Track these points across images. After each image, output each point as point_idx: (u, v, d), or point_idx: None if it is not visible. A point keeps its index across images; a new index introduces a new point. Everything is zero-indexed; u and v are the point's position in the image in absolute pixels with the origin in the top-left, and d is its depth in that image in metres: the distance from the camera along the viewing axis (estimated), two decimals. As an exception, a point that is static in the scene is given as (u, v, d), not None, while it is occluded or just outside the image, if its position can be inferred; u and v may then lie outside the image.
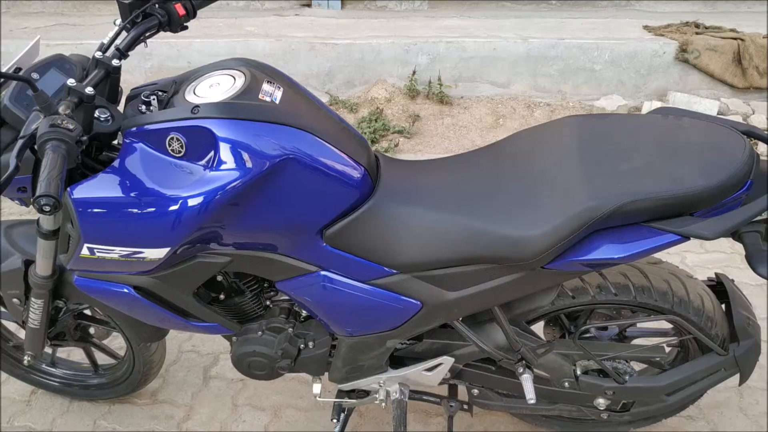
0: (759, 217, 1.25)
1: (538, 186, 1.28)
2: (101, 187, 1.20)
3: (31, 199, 1.03)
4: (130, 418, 1.90)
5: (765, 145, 3.15)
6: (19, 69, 1.34)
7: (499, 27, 3.94)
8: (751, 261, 1.26)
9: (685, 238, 1.18)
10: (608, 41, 3.58)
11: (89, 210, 1.20)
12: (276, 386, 2.00)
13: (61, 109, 1.09)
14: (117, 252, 1.24)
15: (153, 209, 1.19)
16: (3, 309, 1.82)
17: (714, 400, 1.93)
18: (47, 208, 0.95)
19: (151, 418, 1.89)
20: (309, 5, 4.53)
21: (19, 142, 1.12)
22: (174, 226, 1.19)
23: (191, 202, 1.18)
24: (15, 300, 1.60)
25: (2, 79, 1.27)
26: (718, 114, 3.35)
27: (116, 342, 1.93)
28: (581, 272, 1.31)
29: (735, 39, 3.51)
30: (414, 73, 3.61)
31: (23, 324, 1.72)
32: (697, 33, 3.66)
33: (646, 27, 3.88)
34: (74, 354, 2.02)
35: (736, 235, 1.28)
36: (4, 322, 1.89)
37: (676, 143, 1.29)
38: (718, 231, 1.16)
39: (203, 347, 2.17)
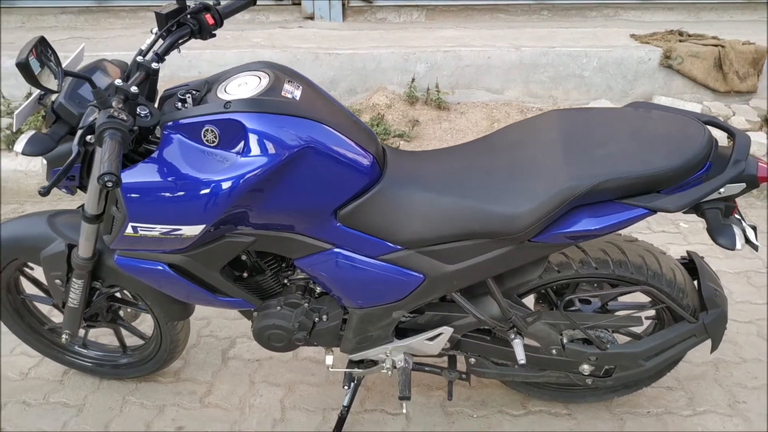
0: (718, 196, 1.44)
1: (525, 170, 1.46)
2: (144, 173, 1.38)
3: (97, 178, 1.20)
4: (156, 394, 2.06)
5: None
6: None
7: (493, 37, 4.14)
8: (712, 233, 1.45)
9: (652, 211, 1.37)
10: (596, 49, 3.78)
11: (134, 193, 1.38)
12: (289, 365, 2.17)
13: (114, 104, 1.27)
14: (158, 230, 1.42)
15: (191, 191, 1.36)
16: (40, 293, 2.00)
17: (691, 374, 2.10)
18: (110, 184, 1.13)
19: (176, 394, 2.06)
20: (312, 18, 4.72)
21: (80, 132, 1.30)
22: (209, 205, 1.37)
23: (224, 185, 1.36)
24: (57, 281, 1.77)
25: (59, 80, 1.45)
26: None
27: (143, 324, 2.10)
28: (564, 244, 1.48)
29: (716, 46, 3.71)
30: (413, 80, 3.80)
31: (61, 306, 1.90)
32: (680, 40, 3.86)
33: (632, 35, 4.08)
34: (102, 338, 2.19)
35: (699, 211, 1.46)
36: (38, 306, 2.08)
37: (645, 132, 1.47)
38: (679, 205, 1.34)
39: (220, 332, 2.34)
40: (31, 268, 1.95)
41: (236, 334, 2.33)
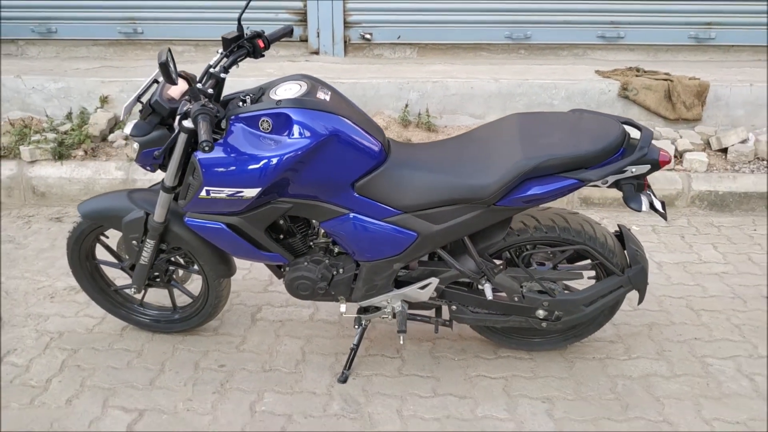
0: (631, 174, 1.98)
1: (491, 154, 2.01)
2: (217, 150, 1.92)
3: (201, 143, 1.70)
4: (199, 343, 2.55)
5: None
6: (156, 80, 2.08)
7: (476, 71, 4.75)
8: (626, 201, 2.00)
9: (581, 181, 1.91)
10: (565, 82, 4.38)
11: (208, 166, 1.92)
12: (307, 324, 2.66)
13: (202, 98, 1.82)
14: (225, 192, 1.95)
15: (251, 163, 1.90)
16: (112, 259, 2.51)
17: (630, 332, 2.62)
18: (207, 148, 1.67)
19: (216, 343, 2.55)
20: (317, 53, 5.33)
21: (179, 117, 1.85)
22: (263, 173, 1.90)
23: (274, 159, 1.89)
24: (134, 242, 2.28)
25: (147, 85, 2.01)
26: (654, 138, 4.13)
27: (191, 286, 2.59)
28: (520, 207, 2.01)
29: (666, 80, 4.32)
30: (406, 106, 4.38)
31: (129, 269, 2.41)
32: (636, 76, 4.48)
33: (597, 71, 4.70)
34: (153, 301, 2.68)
35: (618, 186, 2.01)
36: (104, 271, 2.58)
37: (578, 127, 2.04)
38: (599, 176, 1.90)
39: (249, 302, 2.84)
40: (107, 237, 2.46)
41: (262, 302, 2.83)
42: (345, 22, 5.25)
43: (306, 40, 5.33)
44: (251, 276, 3.06)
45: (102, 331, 2.63)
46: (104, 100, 4.40)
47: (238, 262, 2.47)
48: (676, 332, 2.63)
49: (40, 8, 5.28)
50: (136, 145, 2.05)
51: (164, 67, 1.70)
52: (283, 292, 2.90)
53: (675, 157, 4.00)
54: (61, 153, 4.02)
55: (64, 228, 3.63)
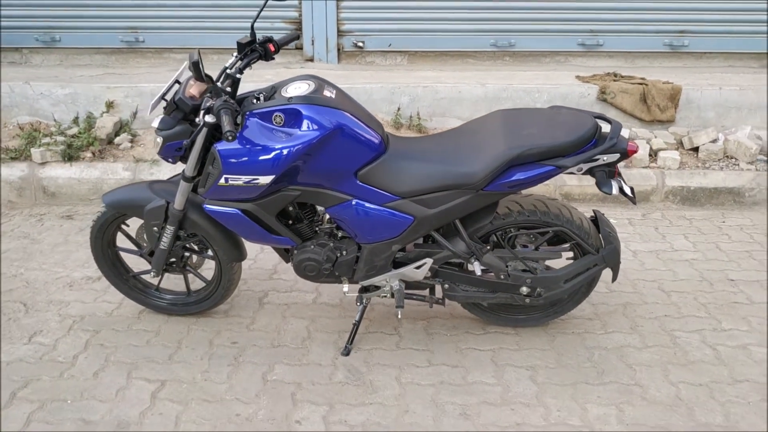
0: (603, 163, 2.23)
1: (480, 145, 2.26)
2: (234, 143, 2.15)
3: (225, 133, 1.94)
4: (212, 324, 2.76)
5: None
6: (177, 81, 2.31)
7: (463, 77, 5.01)
8: (598, 185, 2.25)
9: (558, 168, 2.17)
10: (547, 86, 4.65)
11: (227, 156, 2.15)
12: (311, 307, 2.89)
13: (223, 94, 2.06)
14: (242, 179, 2.18)
15: (265, 153, 2.13)
16: (132, 247, 2.73)
17: (606, 310, 2.87)
18: (231, 137, 1.90)
19: (227, 323, 2.76)
20: (312, 60, 5.58)
21: (202, 111, 2.08)
22: (276, 162, 2.13)
23: (286, 150, 2.13)
24: (155, 228, 2.50)
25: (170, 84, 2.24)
26: (629, 138, 4.41)
27: (204, 272, 2.81)
28: (504, 192, 2.26)
29: (641, 84, 4.61)
30: (398, 109, 4.63)
31: (147, 255, 2.63)
32: (614, 80, 4.76)
33: (577, 77, 4.98)
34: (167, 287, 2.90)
35: (591, 173, 2.26)
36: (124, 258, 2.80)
37: (555, 121, 2.29)
38: (574, 162, 2.15)
39: (256, 288, 3.07)
40: (128, 226, 2.68)
41: (268, 288, 3.06)
42: (338, 31, 5.51)
43: (301, 48, 5.58)
44: (257, 266, 3.29)
45: (121, 315, 2.84)
46: (110, 105, 4.62)
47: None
48: (648, 310, 2.88)
49: (45, 18, 5.49)
50: (159, 139, 2.27)
51: (196, 65, 1.94)
52: (288, 279, 3.14)
53: (650, 155, 4.28)
54: (70, 155, 4.22)
55: (76, 225, 3.84)
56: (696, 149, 4.37)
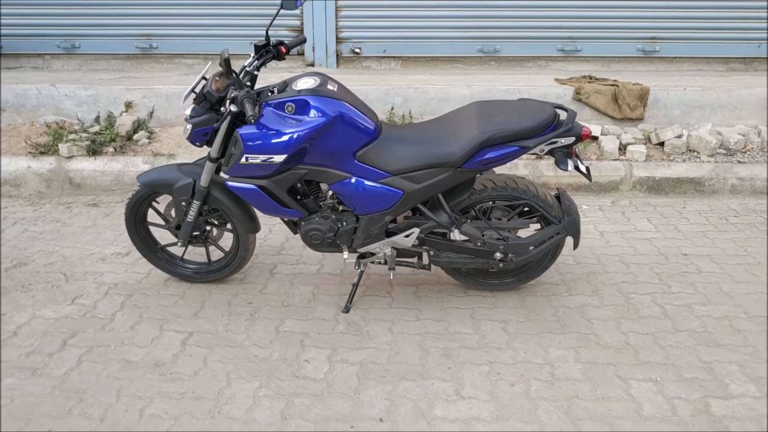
0: (560, 145, 2.67)
1: (457, 131, 2.70)
2: (253, 128, 2.59)
3: (248, 117, 2.38)
4: (229, 289, 3.19)
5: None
6: (204, 77, 2.75)
7: (452, 80, 5.47)
8: (557, 163, 2.69)
9: (522, 148, 2.60)
10: (527, 87, 5.10)
11: (247, 138, 2.59)
12: (315, 276, 3.32)
13: (245, 86, 2.50)
14: (260, 158, 2.61)
15: (279, 136, 2.57)
16: (160, 220, 3.16)
17: (571, 278, 3.30)
18: (253, 120, 2.34)
19: (243, 288, 3.19)
20: (312, 65, 6.03)
21: (227, 101, 2.52)
22: (288, 143, 2.57)
23: (296, 133, 2.56)
24: (183, 203, 2.93)
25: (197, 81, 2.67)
26: (601, 134, 4.86)
27: (223, 243, 3.23)
28: (479, 169, 2.69)
29: (613, 86, 5.07)
30: (392, 109, 5.08)
31: (175, 229, 3.06)
32: (588, 82, 5.22)
33: (556, 79, 5.43)
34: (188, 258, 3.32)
35: (551, 153, 2.70)
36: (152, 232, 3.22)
37: (521, 110, 2.73)
38: (535, 144, 2.59)
39: (266, 261, 3.50)
40: (158, 203, 3.11)
41: (277, 261, 3.49)
42: (337, 38, 5.97)
43: (303, 54, 6.03)
44: (266, 243, 3.72)
45: (149, 282, 3.26)
46: (129, 105, 5.05)
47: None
48: (609, 278, 3.32)
49: (65, 26, 5.94)
50: (189, 126, 2.71)
51: (227, 62, 2.38)
52: (294, 254, 3.57)
53: (619, 149, 4.73)
54: (94, 149, 4.65)
55: (102, 211, 4.27)
56: (662, 144, 4.82)
